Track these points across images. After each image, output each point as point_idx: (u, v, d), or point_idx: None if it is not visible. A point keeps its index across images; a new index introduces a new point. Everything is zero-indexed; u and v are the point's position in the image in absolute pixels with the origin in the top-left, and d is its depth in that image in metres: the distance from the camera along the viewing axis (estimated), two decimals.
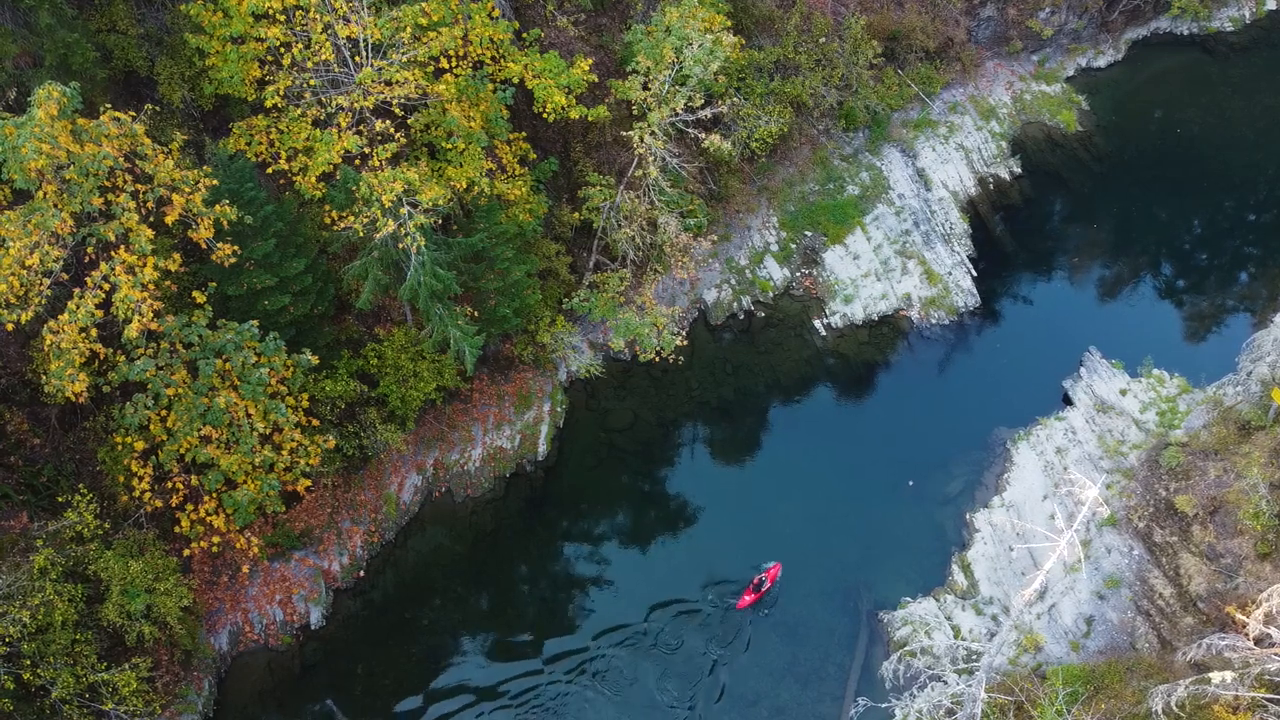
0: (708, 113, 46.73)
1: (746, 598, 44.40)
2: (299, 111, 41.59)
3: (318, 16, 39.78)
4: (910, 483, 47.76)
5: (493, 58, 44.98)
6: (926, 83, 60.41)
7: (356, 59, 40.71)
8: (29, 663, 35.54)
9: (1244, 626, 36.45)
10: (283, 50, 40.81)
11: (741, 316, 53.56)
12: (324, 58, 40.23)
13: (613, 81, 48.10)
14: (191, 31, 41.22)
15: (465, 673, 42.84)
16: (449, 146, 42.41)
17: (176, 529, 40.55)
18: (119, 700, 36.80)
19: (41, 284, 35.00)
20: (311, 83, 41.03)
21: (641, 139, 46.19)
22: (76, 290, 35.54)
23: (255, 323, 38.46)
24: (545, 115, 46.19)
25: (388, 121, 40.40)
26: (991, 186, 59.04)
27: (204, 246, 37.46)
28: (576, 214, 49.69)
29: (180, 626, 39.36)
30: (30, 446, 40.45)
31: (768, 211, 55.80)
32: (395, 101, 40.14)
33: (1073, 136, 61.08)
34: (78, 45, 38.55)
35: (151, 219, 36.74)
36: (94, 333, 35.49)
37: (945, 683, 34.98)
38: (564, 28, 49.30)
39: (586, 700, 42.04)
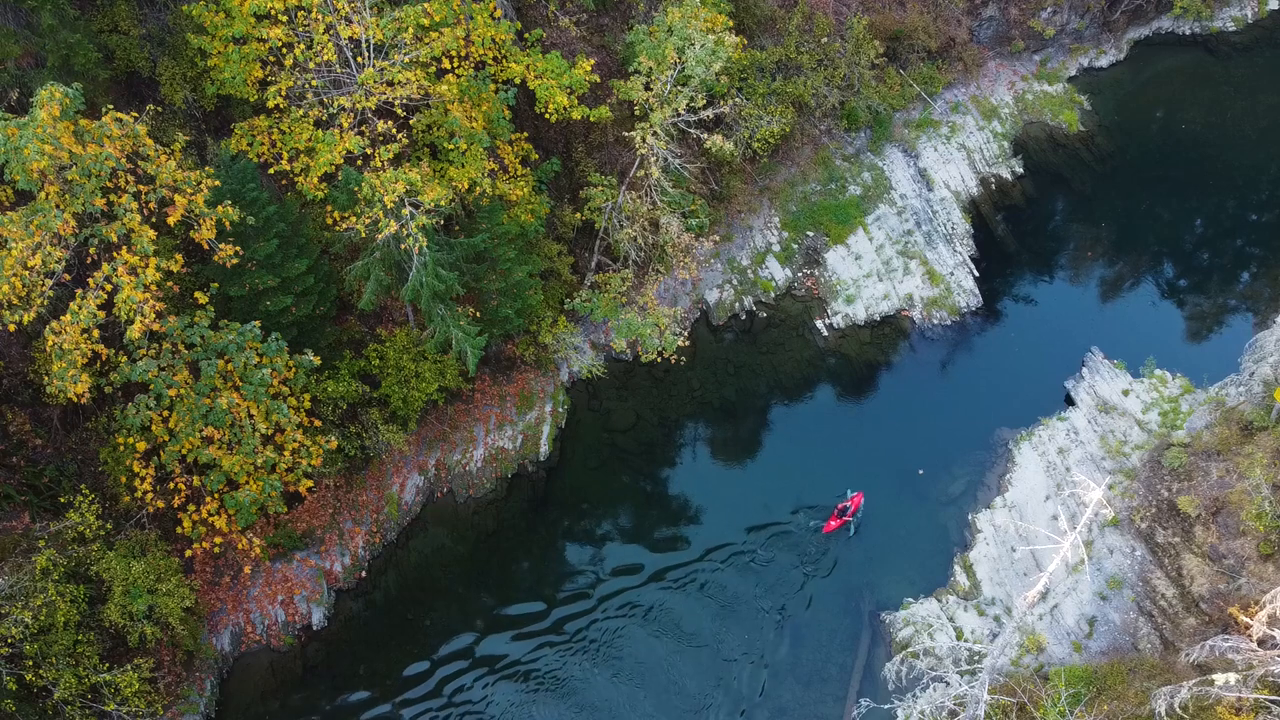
0: (710, 113, 46.71)
1: (832, 522, 45.81)
2: (301, 112, 41.59)
3: (320, 17, 39.76)
4: (920, 471, 47.83)
5: (495, 58, 44.97)
6: (928, 83, 60.37)
7: (359, 59, 40.70)
8: (31, 663, 35.58)
9: (1247, 628, 36.46)
10: (285, 51, 40.79)
11: (743, 317, 53.53)
12: (326, 58, 40.21)
13: (615, 82, 48.07)
14: (193, 32, 41.22)
15: (467, 672, 42.85)
16: (451, 147, 42.39)
17: (178, 530, 40.56)
18: (121, 701, 36.84)
19: (44, 285, 35.02)
20: (313, 83, 41.01)
21: (643, 139, 46.17)
22: (79, 291, 35.55)
23: (257, 323, 38.47)
24: (547, 116, 46.16)
25: (390, 122, 40.38)
26: (993, 186, 59.00)
27: (206, 247, 37.47)
28: (578, 214, 49.68)
29: (182, 627, 39.40)
30: (32, 447, 40.48)
31: (770, 212, 55.77)
32: (397, 102, 40.13)
33: (1075, 136, 61.02)
34: (80, 46, 38.54)
35: (154, 220, 36.76)
36: (96, 334, 35.51)
37: (948, 684, 34.96)
38: (566, 28, 49.29)
39: (587, 697, 42.07)
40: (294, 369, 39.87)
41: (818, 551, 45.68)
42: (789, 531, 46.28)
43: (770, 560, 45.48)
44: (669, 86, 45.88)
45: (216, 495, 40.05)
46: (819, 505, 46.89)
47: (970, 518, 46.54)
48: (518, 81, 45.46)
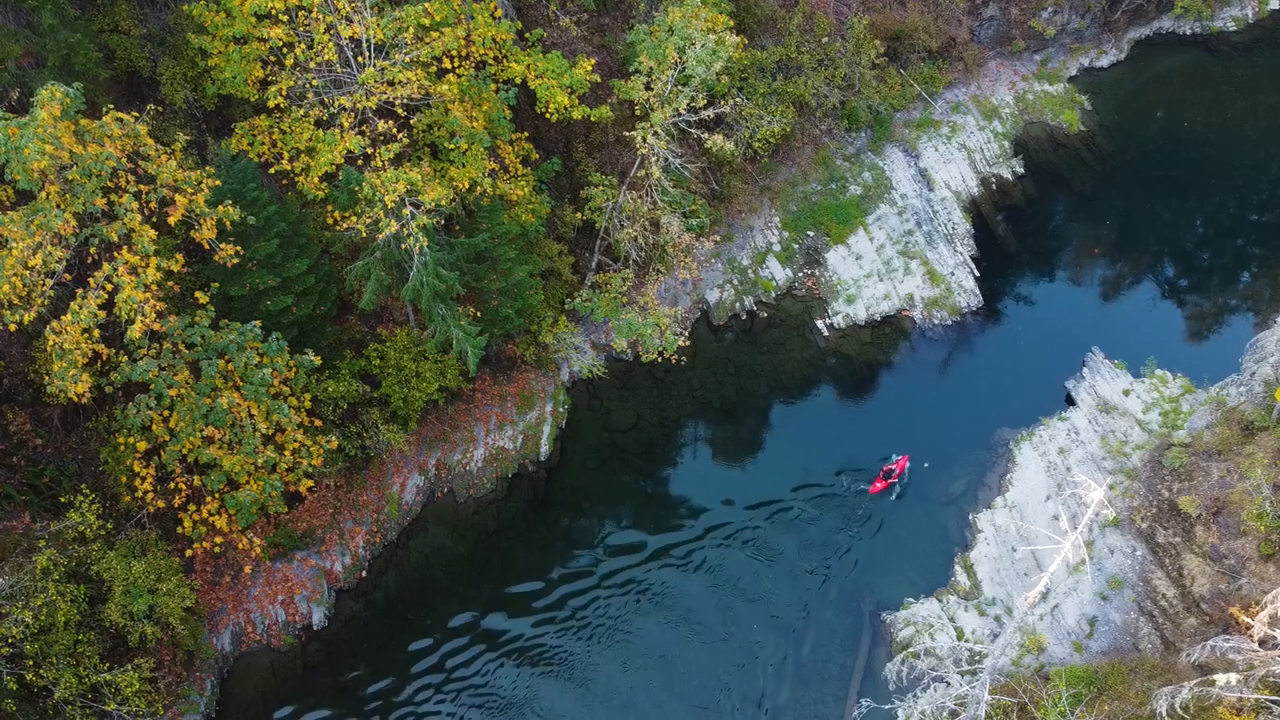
0: (710, 113, 46.70)
1: (877, 484, 46.91)
2: (301, 112, 41.59)
3: (320, 16, 39.75)
4: (925, 464, 47.92)
5: (495, 58, 44.96)
6: (929, 82, 60.36)
7: (359, 59, 40.69)
8: (32, 663, 35.56)
9: (1248, 628, 36.47)
10: (285, 50, 40.78)
11: (744, 316, 53.52)
12: (327, 58, 40.20)
13: (615, 81, 48.07)
14: (194, 32, 41.21)
15: (468, 673, 42.85)
16: (451, 147, 42.40)
17: (179, 529, 40.54)
18: (122, 701, 36.83)
19: (44, 285, 35.00)
20: (314, 83, 41.00)
21: (644, 139, 46.15)
22: (79, 291, 35.54)
23: (258, 323, 38.46)
24: (548, 115, 46.17)
25: (390, 122, 40.38)
26: (994, 186, 58.99)
27: (207, 247, 37.46)
28: (579, 214, 49.67)
29: (183, 627, 39.39)
30: (33, 447, 40.46)
31: (770, 211, 55.75)
32: (398, 102, 40.12)
33: (1075, 136, 61.02)
34: (80, 46, 38.53)
35: (154, 219, 36.75)
36: (96, 333, 35.51)
37: (948, 684, 34.96)
38: (566, 28, 49.28)
39: (589, 695, 42.07)
40: (294, 369, 39.85)
41: (822, 551, 45.69)
42: (791, 530, 46.30)
43: (774, 559, 45.49)
44: (669, 86, 45.86)
45: (217, 495, 40.03)
46: (820, 501, 46.95)
47: (971, 518, 46.54)
48: (518, 81, 45.46)
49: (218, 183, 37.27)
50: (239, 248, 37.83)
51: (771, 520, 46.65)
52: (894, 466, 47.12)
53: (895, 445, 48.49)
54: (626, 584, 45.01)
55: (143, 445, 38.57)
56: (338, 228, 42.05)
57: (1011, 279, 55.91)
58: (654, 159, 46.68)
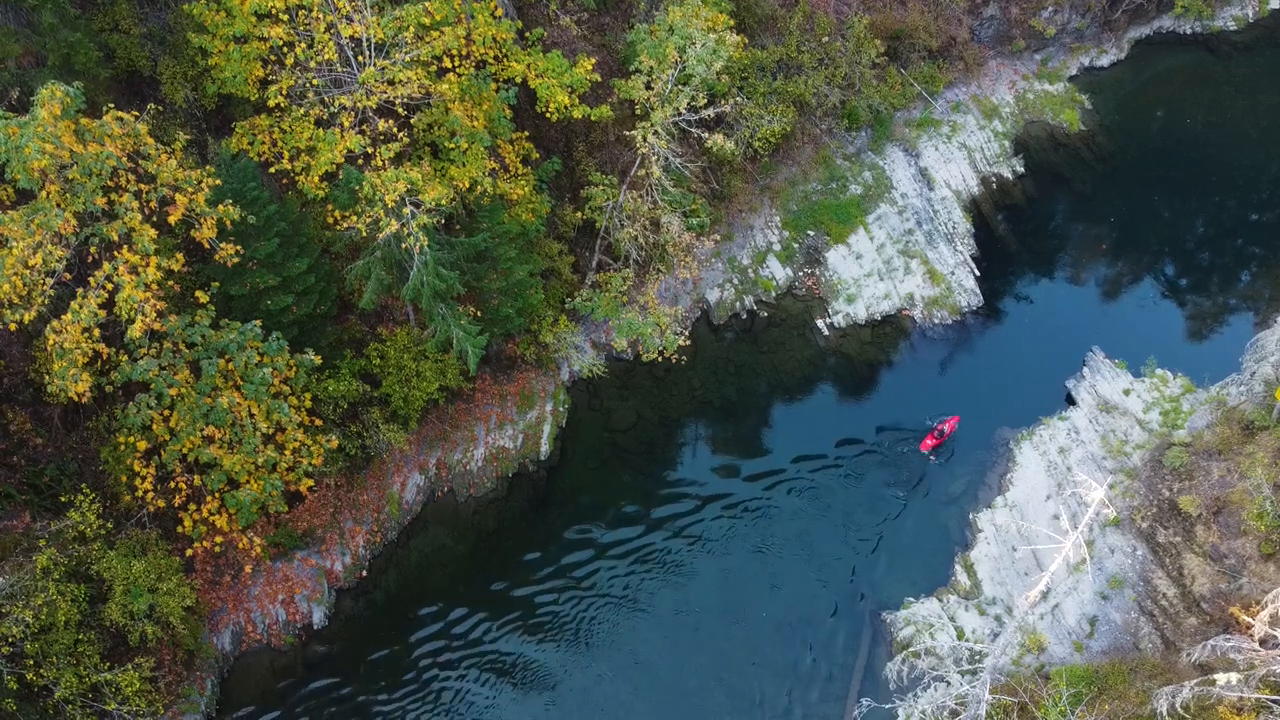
0: (710, 112, 46.68)
1: (929, 441, 48.32)
2: (302, 111, 41.59)
3: (321, 16, 39.75)
4: (932, 459, 47.99)
5: (495, 57, 44.97)
6: (929, 82, 60.33)
7: (359, 58, 40.69)
8: (32, 663, 35.57)
9: (1248, 628, 36.49)
10: (285, 50, 40.78)
11: (744, 316, 53.51)
12: (327, 57, 40.19)
13: (615, 81, 48.05)
14: (194, 31, 41.20)
15: (468, 672, 42.86)
16: (452, 146, 42.39)
17: (179, 529, 40.54)
18: (122, 700, 36.84)
19: (44, 284, 35.00)
20: (314, 82, 41.01)
21: (644, 138, 46.14)
22: (79, 290, 35.54)
23: (258, 322, 38.46)
24: (548, 115, 46.16)
25: (390, 121, 40.38)
26: (994, 186, 58.97)
27: (207, 246, 37.47)
28: (579, 213, 49.66)
29: (183, 626, 39.39)
30: (33, 446, 40.45)
31: (770, 211, 55.74)
32: (398, 101, 40.12)
33: (1075, 136, 61.00)
34: (81, 45, 38.53)
35: (154, 219, 36.74)
36: (97, 333, 35.51)
37: (949, 683, 34.97)
38: (567, 27, 49.29)
39: (590, 695, 42.05)
40: (295, 368, 39.85)
41: (825, 549, 45.71)
42: (792, 528, 46.30)
43: (775, 557, 45.51)
44: (670, 85, 45.84)
45: (217, 494, 40.03)
46: (820, 508, 46.95)
47: (971, 517, 46.54)
48: (518, 80, 45.45)
49: (218, 182, 37.26)
50: (239, 247, 37.83)
51: (772, 517, 46.69)
52: (943, 426, 47.78)
53: (890, 447, 48.67)
54: (627, 582, 45.03)
55: (143, 445, 38.57)
56: (338, 227, 42.05)
57: (1012, 278, 55.90)
58: (654, 158, 46.67)
